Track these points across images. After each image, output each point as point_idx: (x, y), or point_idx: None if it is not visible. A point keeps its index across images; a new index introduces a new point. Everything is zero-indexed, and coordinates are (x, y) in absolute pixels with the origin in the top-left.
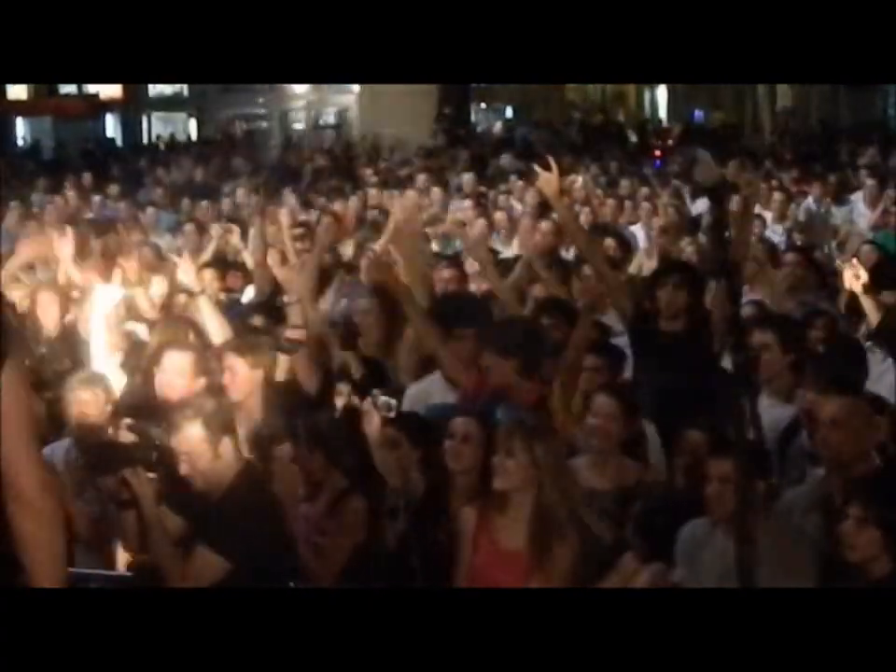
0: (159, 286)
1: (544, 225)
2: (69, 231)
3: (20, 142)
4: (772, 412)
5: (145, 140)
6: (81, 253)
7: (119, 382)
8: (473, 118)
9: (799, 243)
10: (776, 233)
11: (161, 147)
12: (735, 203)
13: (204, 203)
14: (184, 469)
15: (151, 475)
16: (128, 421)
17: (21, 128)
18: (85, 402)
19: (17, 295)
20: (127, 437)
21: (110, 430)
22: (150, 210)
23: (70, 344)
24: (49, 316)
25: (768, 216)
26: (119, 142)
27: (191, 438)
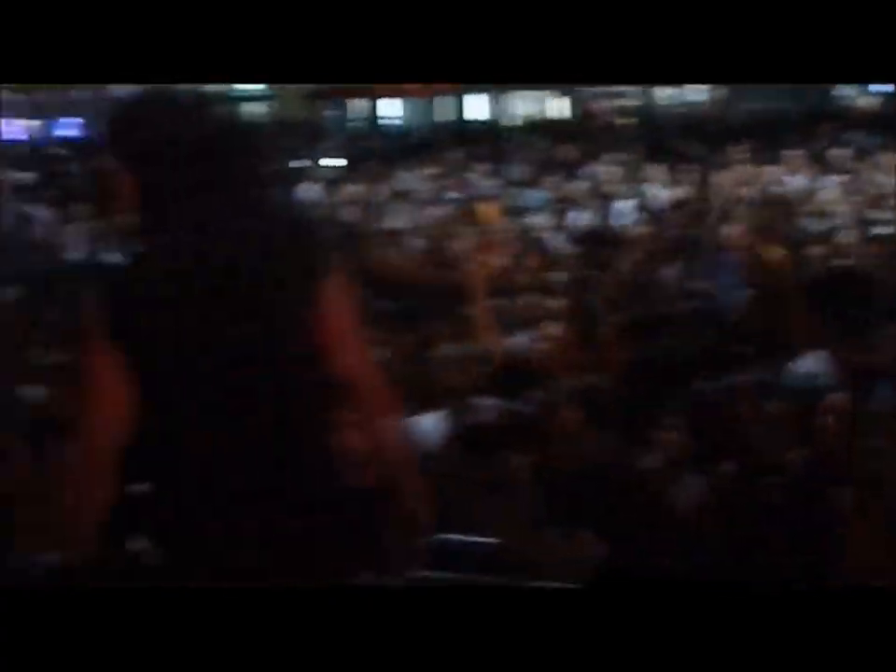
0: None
1: None
2: None
3: (392, 122)
4: None
5: (511, 118)
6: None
7: (488, 356)
8: (839, 92)
9: None
10: None
11: (525, 125)
12: None
13: (569, 180)
14: (558, 450)
15: (526, 457)
16: (500, 402)
17: (392, 108)
18: (460, 376)
19: None
20: (501, 416)
21: (486, 405)
22: (519, 188)
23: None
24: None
25: None
26: (485, 120)
27: (569, 419)
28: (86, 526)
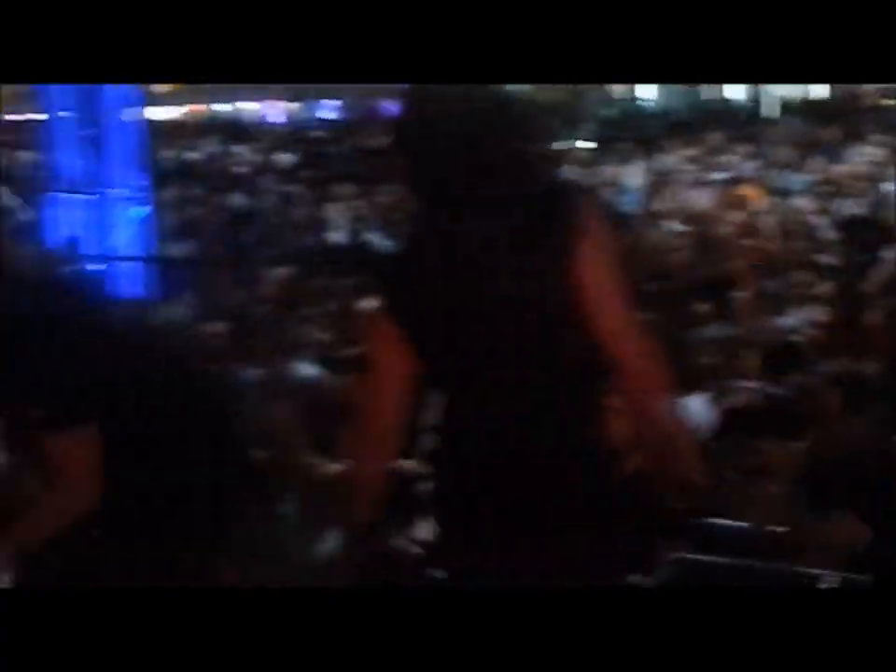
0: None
1: None
2: None
3: (651, 103)
4: None
5: (771, 99)
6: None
7: (752, 339)
8: None
9: None
10: None
11: (786, 105)
12: None
13: (832, 163)
14: (819, 435)
15: (787, 441)
16: (762, 385)
17: (651, 89)
18: (724, 357)
19: None
20: (762, 399)
21: (747, 388)
22: (781, 170)
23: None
24: None
25: None
26: (746, 101)
27: (833, 405)
28: (366, 508)
